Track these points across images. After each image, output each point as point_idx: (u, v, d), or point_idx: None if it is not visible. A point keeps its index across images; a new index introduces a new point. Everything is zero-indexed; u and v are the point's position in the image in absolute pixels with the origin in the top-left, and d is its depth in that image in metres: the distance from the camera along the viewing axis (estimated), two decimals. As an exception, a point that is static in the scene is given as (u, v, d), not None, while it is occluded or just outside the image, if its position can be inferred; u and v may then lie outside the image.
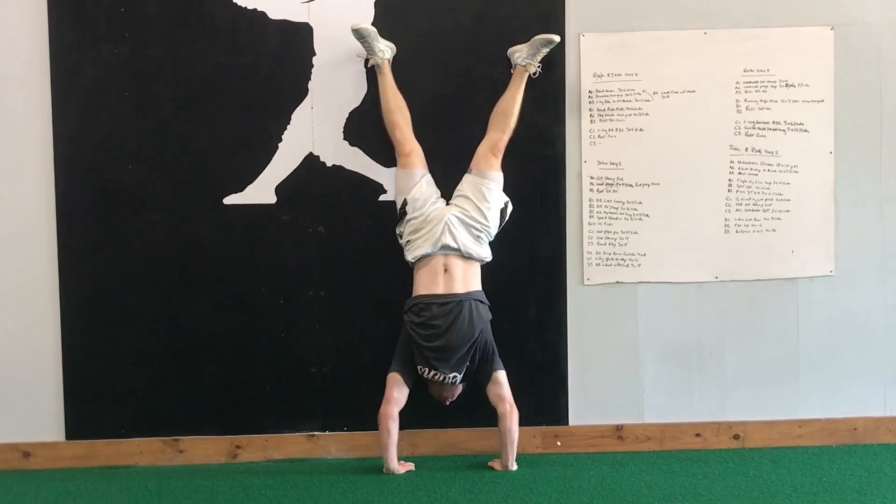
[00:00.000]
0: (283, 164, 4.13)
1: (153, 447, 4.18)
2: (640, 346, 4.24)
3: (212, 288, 4.16)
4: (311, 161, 4.14)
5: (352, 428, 4.20)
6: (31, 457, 4.16)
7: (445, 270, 3.93)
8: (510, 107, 4.02)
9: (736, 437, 4.24)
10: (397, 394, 3.93)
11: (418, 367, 3.93)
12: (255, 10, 4.09)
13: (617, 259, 4.21)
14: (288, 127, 4.12)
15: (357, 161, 4.15)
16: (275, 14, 4.09)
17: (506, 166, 4.05)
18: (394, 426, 3.91)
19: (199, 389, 4.19)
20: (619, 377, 4.24)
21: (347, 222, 4.16)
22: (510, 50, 4.07)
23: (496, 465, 4.00)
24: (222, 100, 4.11)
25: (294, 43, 4.10)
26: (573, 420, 4.23)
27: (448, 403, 4.02)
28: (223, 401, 4.20)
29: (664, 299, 4.22)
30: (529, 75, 4.02)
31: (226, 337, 4.18)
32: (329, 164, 4.14)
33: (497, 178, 4.01)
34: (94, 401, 4.17)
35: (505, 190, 4.05)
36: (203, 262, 4.16)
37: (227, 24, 4.09)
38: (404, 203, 3.98)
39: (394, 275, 4.08)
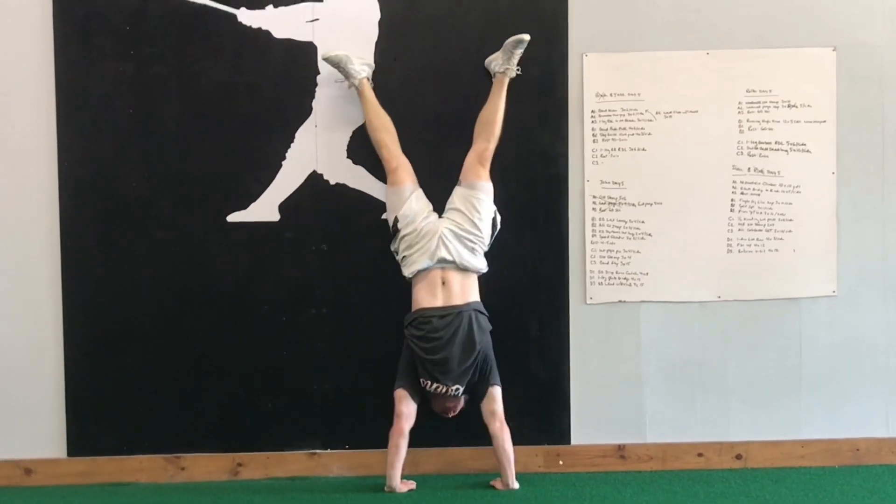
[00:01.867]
0: (286, 182, 4.14)
1: (155, 464, 4.18)
2: (643, 365, 4.23)
3: (215, 305, 4.17)
4: (314, 179, 4.15)
5: (353, 446, 4.20)
6: (32, 473, 4.16)
7: (443, 283, 3.94)
8: (493, 115, 4.03)
9: (738, 457, 4.23)
10: (406, 409, 3.93)
11: (421, 381, 3.93)
12: (259, 28, 4.11)
13: (619, 278, 4.21)
14: (292, 145, 4.13)
15: (360, 179, 4.16)
16: (279, 33, 4.11)
17: (508, 184, 4.07)
18: (403, 444, 3.91)
19: (201, 406, 4.19)
20: (622, 396, 4.23)
21: (350, 240, 4.17)
22: (487, 60, 4.08)
23: (497, 484, 3.99)
24: (226, 118, 4.13)
25: (298, 62, 4.12)
26: (575, 439, 4.23)
27: (451, 416, 4.02)
28: (225, 418, 4.20)
29: (666, 318, 4.22)
30: (510, 79, 4.04)
31: (228, 354, 4.18)
32: (332, 182, 4.15)
33: (486, 188, 4.01)
34: (95, 417, 4.17)
35: (508, 207, 4.06)
36: (206, 279, 4.16)
37: (232, 43, 4.11)
38: (395, 220, 4.00)
39: (396, 293, 4.08)
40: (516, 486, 3.96)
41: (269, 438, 4.20)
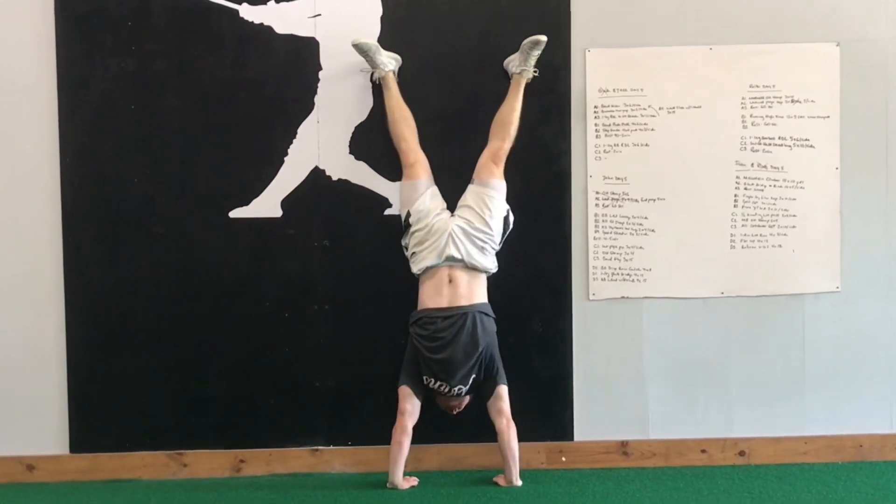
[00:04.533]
0: (288, 177, 4.13)
1: (157, 461, 4.18)
2: (646, 361, 4.23)
3: (217, 301, 4.17)
4: (316, 175, 4.14)
5: (356, 442, 4.19)
6: (34, 470, 4.16)
7: (450, 282, 3.93)
8: (510, 115, 4.02)
9: (741, 453, 4.23)
10: (410, 406, 3.93)
11: (424, 378, 3.92)
12: (261, 24, 4.10)
13: (622, 274, 4.21)
14: (294, 141, 4.13)
15: (363, 175, 4.15)
16: (281, 29, 4.11)
17: (511, 180, 4.06)
18: (406, 441, 3.90)
19: (204, 403, 4.19)
20: (625, 393, 4.23)
21: (353, 236, 4.16)
22: (505, 61, 4.08)
23: (500, 480, 3.99)
24: (228, 114, 4.13)
25: (300, 57, 4.11)
26: (578, 436, 4.22)
27: (455, 413, 4.02)
28: (227, 414, 4.19)
29: (670, 314, 4.22)
30: (527, 81, 4.03)
31: (230, 350, 4.18)
32: (335, 178, 4.15)
33: (499, 186, 4.01)
34: (98, 414, 4.17)
35: (510, 203, 4.05)
36: (208, 275, 4.16)
37: (234, 39, 4.11)
38: (408, 214, 3.99)
39: (399, 289, 4.08)
40: (519, 483, 3.95)
41: (272, 435, 4.20)
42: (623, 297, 4.22)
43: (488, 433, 4.00)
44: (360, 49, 3.97)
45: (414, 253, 3.99)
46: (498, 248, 4.02)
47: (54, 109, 4.10)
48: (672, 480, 4.04)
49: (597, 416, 4.22)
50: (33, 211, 4.13)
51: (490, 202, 3.98)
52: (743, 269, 4.21)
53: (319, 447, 4.21)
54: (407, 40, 4.12)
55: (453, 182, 4.09)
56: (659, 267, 4.21)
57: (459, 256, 3.91)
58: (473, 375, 3.91)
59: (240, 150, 4.13)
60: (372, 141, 4.12)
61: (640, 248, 4.21)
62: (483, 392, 3.98)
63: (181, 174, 4.14)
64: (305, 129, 4.13)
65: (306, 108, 4.12)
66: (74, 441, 4.17)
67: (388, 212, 4.14)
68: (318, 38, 4.11)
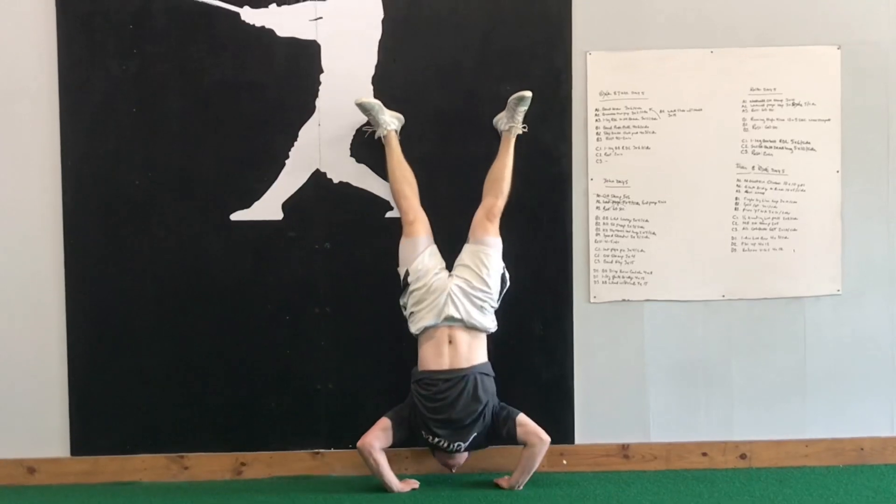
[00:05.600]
0: (290, 180, 4.14)
1: (158, 463, 4.18)
2: (647, 364, 4.23)
3: (218, 304, 4.17)
4: (317, 178, 4.14)
5: (357, 445, 4.18)
6: (35, 472, 4.16)
7: (450, 342, 3.90)
8: (502, 171, 4.00)
9: (742, 456, 4.23)
10: (381, 434, 3.91)
11: (423, 433, 3.91)
12: (262, 27, 4.10)
13: (623, 277, 4.21)
14: (295, 143, 4.13)
15: (364, 178, 4.15)
16: (283, 32, 4.11)
17: (513, 184, 4.04)
18: (380, 455, 3.90)
19: (205, 405, 4.19)
20: (626, 396, 4.23)
21: (354, 239, 4.16)
22: (494, 120, 4.08)
23: (503, 482, 3.99)
24: (230, 116, 4.13)
25: (302, 60, 4.11)
26: (579, 439, 4.22)
27: (454, 471, 4.04)
28: (228, 417, 4.19)
29: (671, 317, 4.22)
30: (517, 136, 4.02)
31: (231, 353, 4.18)
32: (336, 180, 4.15)
33: (495, 243, 3.98)
34: (99, 416, 4.17)
35: (511, 206, 4.05)
36: (209, 278, 4.16)
37: (235, 42, 4.11)
38: (406, 273, 3.96)
39: (399, 292, 4.07)
40: (521, 488, 3.95)
41: (273, 438, 4.20)
42: (624, 300, 4.22)
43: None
44: (364, 108, 3.98)
45: (412, 313, 3.95)
46: (496, 305, 3.99)
47: (56, 112, 4.10)
48: (673, 483, 4.04)
49: (598, 419, 4.22)
50: (34, 214, 4.13)
51: (487, 260, 3.94)
52: (744, 271, 4.21)
53: (320, 450, 4.21)
54: (408, 43, 4.12)
55: (452, 184, 4.10)
56: (660, 270, 4.21)
57: (459, 316, 3.88)
58: (474, 434, 3.90)
59: (241, 153, 4.13)
60: (373, 144, 4.12)
61: (641, 251, 4.21)
62: (501, 434, 3.93)
63: (182, 177, 4.14)
64: (306, 132, 4.13)
65: (307, 110, 4.13)
66: (75, 443, 4.17)
67: (389, 214, 4.15)
68: (319, 41, 4.11)
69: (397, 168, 4.02)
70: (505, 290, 4.01)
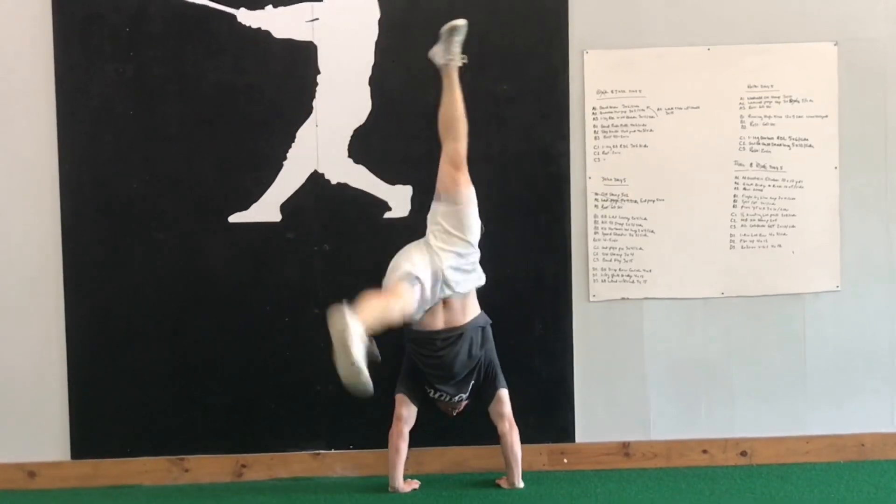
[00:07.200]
0: (287, 182, 4.13)
1: (159, 466, 4.17)
2: (647, 362, 4.23)
3: (217, 306, 4.17)
4: (315, 179, 4.14)
5: (357, 446, 4.19)
6: (36, 476, 4.16)
7: (444, 305, 3.85)
8: (452, 111, 3.76)
9: (743, 453, 4.23)
10: (406, 412, 3.93)
11: (425, 388, 3.92)
12: (259, 29, 4.10)
13: (622, 275, 4.20)
14: (293, 145, 4.13)
15: (362, 179, 4.15)
16: (279, 33, 4.11)
17: (510, 183, 4.05)
18: (403, 445, 3.90)
19: (205, 408, 4.18)
20: (626, 394, 4.23)
21: (352, 240, 4.16)
22: (430, 54, 3.85)
23: (503, 483, 3.99)
24: (227, 118, 4.13)
25: (298, 61, 4.11)
26: (579, 437, 4.22)
27: (455, 414, 4.02)
28: (228, 419, 4.19)
29: (670, 315, 4.22)
30: (458, 68, 3.77)
31: (231, 355, 4.18)
32: (334, 181, 4.15)
33: (468, 196, 3.78)
34: (99, 420, 4.16)
35: (509, 206, 4.06)
36: (208, 280, 4.16)
37: (232, 44, 4.11)
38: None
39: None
40: (522, 485, 3.95)
41: (273, 439, 4.20)
42: (623, 299, 4.22)
43: (489, 436, 3.99)
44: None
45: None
46: (479, 253, 3.85)
47: (53, 115, 4.10)
48: (674, 481, 4.04)
49: (598, 418, 4.22)
50: (33, 217, 4.13)
51: (466, 219, 3.78)
52: (743, 269, 4.21)
53: (321, 451, 4.21)
54: (405, 43, 4.12)
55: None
56: (659, 268, 4.21)
57: (451, 293, 3.81)
58: (472, 381, 3.91)
59: (239, 155, 4.13)
60: (371, 145, 4.12)
61: (640, 249, 4.21)
62: (483, 397, 3.97)
63: (180, 179, 4.14)
64: (304, 133, 4.13)
65: (305, 112, 4.12)
66: (76, 447, 4.17)
67: (387, 215, 4.15)
68: (315, 43, 4.11)
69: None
70: (482, 232, 3.85)
